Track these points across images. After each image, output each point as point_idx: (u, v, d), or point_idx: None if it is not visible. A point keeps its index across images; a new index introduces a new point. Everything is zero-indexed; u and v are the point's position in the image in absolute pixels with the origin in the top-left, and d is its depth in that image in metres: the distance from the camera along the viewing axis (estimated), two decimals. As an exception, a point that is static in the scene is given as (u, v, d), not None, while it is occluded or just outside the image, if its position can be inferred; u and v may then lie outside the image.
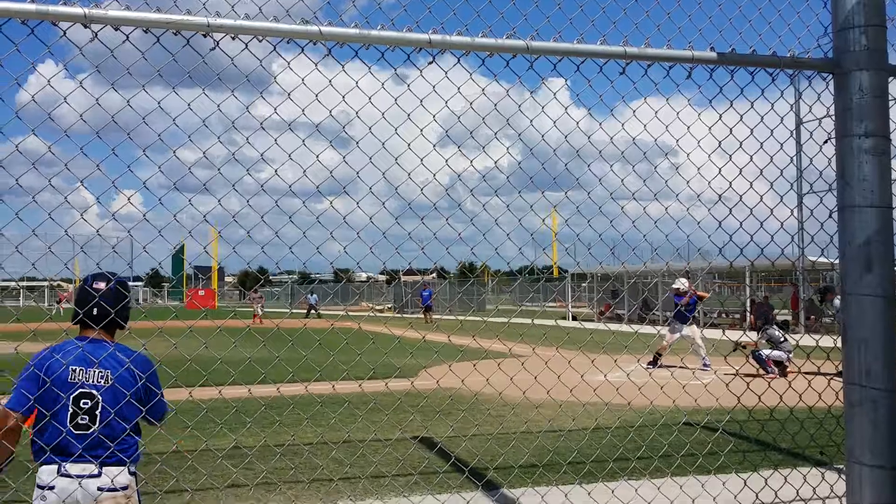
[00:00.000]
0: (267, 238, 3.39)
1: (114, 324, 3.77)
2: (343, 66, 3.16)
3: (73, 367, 3.63)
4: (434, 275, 50.24)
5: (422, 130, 3.51)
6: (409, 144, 3.43)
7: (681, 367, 15.17)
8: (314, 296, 47.00)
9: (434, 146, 3.50)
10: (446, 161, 3.50)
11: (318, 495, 6.80)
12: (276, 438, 8.72)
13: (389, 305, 56.82)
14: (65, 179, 3.24)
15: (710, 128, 3.63)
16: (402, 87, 3.39)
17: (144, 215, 3.33)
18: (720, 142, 3.60)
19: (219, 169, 3.28)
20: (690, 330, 16.67)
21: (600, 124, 3.65)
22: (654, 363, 16.25)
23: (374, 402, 9.69)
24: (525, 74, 3.34)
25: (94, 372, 3.63)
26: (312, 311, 43.79)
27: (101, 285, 3.74)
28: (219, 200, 3.31)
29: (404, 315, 41.54)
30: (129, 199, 3.43)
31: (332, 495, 6.79)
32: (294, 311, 48.55)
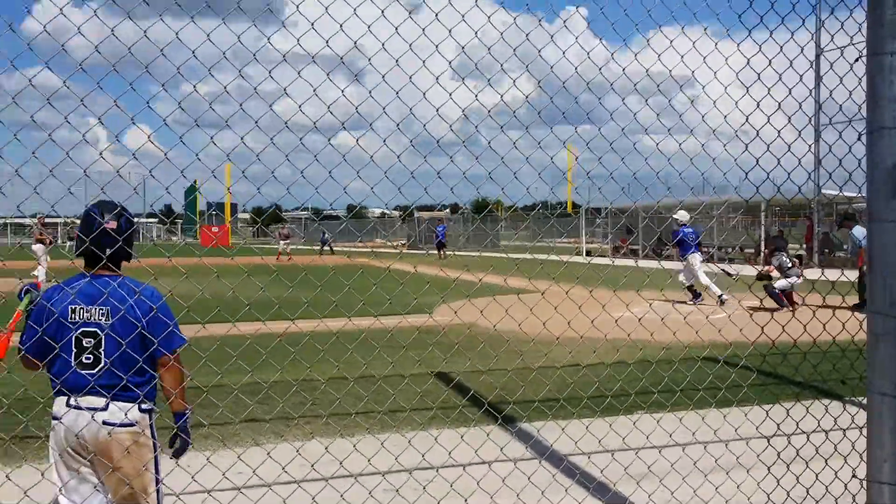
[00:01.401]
0: (281, 174, 3.30)
1: (118, 257, 3.64)
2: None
3: (73, 306, 3.54)
4: (448, 210, 50.05)
5: (450, 62, 3.37)
6: (436, 78, 3.29)
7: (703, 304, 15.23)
8: (326, 234, 47.37)
9: (463, 78, 3.38)
10: (476, 95, 3.40)
11: (337, 429, 6.83)
12: (294, 373, 8.72)
13: (403, 241, 56.83)
14: (79, 115, 3.13)
15: (726, 59, 3.46)
16: (420, 19, 3.26)
17: (166, 154, 3.29)
18: (737, 73, 3.42)
19: (240, 104, 3.19)
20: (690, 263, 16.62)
21: (612, 55, 3.48)
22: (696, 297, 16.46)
23: (392, 336, 9.68)
24: (542, 5, 3.26)
25: (96, 310, 3.54)
26: (325, 248, 43.93)
27: (112, 224, 3.61)
28: (241, 138, 3.23)
29: (428, 253, 41.64)
30: (149, 137, 3.27)
31: (351, 429, 6.81)
32: (313, 247, 48.88)
